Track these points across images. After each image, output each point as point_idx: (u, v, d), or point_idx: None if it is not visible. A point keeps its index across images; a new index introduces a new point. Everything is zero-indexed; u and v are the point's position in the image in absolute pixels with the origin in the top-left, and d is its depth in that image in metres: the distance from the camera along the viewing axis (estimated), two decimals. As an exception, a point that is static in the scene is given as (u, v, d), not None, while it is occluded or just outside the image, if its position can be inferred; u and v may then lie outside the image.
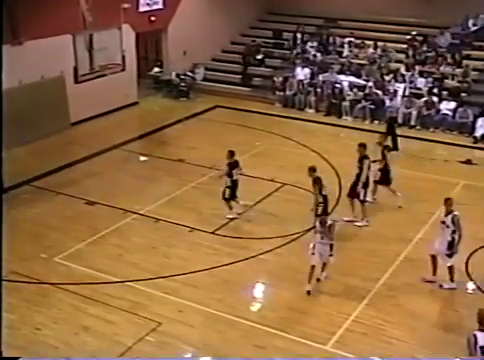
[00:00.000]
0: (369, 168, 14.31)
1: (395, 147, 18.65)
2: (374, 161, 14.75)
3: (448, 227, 11.73)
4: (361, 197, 14.43)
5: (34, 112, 18.85)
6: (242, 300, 11.68)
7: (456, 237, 11.76)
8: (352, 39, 25.42)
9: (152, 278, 12.24)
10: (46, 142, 18.99)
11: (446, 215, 11.85)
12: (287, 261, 12.94)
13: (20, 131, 18.00)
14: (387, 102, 21.15)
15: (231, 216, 14.52)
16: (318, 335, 10.58)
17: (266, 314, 11.26)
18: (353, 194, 14.52)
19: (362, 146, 14.40)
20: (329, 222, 11.94)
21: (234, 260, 12.84)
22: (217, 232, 14.03)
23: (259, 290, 12.28)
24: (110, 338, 10.53)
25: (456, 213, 11.81)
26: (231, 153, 14.43)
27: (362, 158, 14.29)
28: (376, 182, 15.28)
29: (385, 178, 15.11)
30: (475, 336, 8.75)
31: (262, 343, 10.42)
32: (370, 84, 22.25)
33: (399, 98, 21.80)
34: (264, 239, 13.67)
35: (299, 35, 26.08)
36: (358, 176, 14.30)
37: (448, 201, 11.92)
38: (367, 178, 14.38)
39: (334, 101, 22.58)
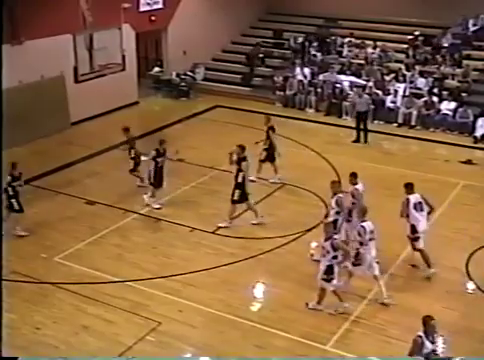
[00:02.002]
0: (247, 169, 14.09)
1: (365, 140, 19.92)
2: (257, 142, 15.57)
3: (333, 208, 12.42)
4: (235, 197, 14.07)
5: (34, 112, 18.85)
6: (242, 300, 11.68)
7: (339, 218, 12.30)
8: (352, 39, 25.43)
9: (152, 278, 12.24)
10: (46, 142, 18.99)
11: (332, 197, 12.34)
12: (287, 261, 12.93)
13: (20, 131, 17.99)
14: (357, 99, 20.82)
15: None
16: (318, 335, 10.59)
17: (266, 314, 11.26)
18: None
19: (240, 147, 14.13)
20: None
21: (234, 260, 12.84)
22: (217, 232, 14.02)
23: (259, 290, 12.27)
24: (110, 338, 10.54)
25: (341, 195, 12.42)
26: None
27: (240, 160, 14.04)
28: (261, 161, 16.18)
29: (270, 157, 16.17)
30: (421, 338, 8.97)
31: (262, 343, 10.43)
32: (370, 84, 22.24)
33: (399, 98, 21.82)
34: (264, 239, 13.67)
35: (301, 39, 26.07)
36: (236, 178, 14.06)
37: (333, 183, 12.69)
38: (243, 179, 14.07)
39: (334, 101, 22.58)
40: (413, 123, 21.30)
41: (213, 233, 13.98)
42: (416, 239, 12.33)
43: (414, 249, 12.48)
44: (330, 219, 12.25)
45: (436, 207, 15.05)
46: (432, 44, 24.07)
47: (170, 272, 12.41)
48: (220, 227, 14.15)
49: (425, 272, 12.35)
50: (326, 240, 11.05)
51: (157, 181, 15.00)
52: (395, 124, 21.44)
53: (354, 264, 11.46)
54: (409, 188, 12.54)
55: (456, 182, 16.73)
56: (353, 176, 12.97)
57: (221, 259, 12.90)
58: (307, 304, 11.37)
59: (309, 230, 14.13)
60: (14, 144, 17.80)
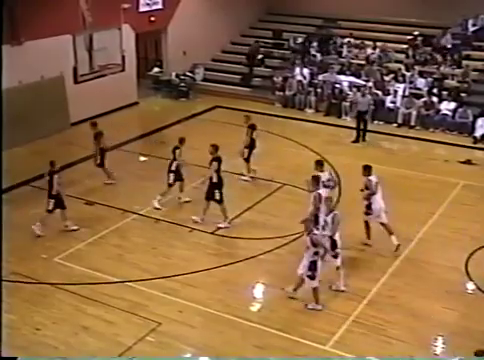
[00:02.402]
0: (219, 169, 14.11)
1: (363, 139, 20.10)
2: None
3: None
4: (217, 197, 14.14)
5: (34, 112, 18.86)
6: (242, 300, 11.68)
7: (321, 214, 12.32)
8: (351, 39, 25.43)
9: (152, 278, 12.24)
10: (46, 142, 18.99)
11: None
12: (287, 261, 12.90)
13: (20, 131, 18.02)
14: (360, 98, 20.93)
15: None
16: (318, 335, 10.58)
17: (266, 314, 11.26)
18: (209, 196, 14.28)
19: (213, 147, 14.20)
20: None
21: (234, 260, 12.85)
22: (217, 232, 14.02)
23: (259, 290, 12.27)
24: (110, 338, 10.53)
25: (319, 191, 12.65)
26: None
27: (213, 160, 14.09)
28: (245, 159, 16.53)
29: (249, 155, 16.50)
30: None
31: (262, 343, 10.43)
32: (370, 84, 22.24)
33: (399, 98, 21.82)
34: (264, 239, 13.67)
35: (301, 40, 26.09)
36: (211, 178, 14.10)
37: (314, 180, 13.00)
38: (219, 178, 14.11)
39: (334, 101, 22.58)
40: (413, 123, 21.31)
41: (212, 233, 13.98)
42: (368, 214, 13.26)
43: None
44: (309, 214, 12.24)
45: (436, 207, 15.16)
46: (432, 44, 24.09)
47: (170, 272, 12.40)
48: (220, 228, 14.15)
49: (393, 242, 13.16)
50: (307, 235, 11.13)
51: (175, 181, 15.10)
52: (395, 124, 21.45)
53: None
54: (368, 170, 13.27)
55: (456, 182, 16.74)
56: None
57: (221, 259, 12.91)
58: (306, 305, 11.41)
59: (309, 230, 14.11)
60: (14, 144, 17.83)
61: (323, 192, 12.67)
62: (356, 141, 20.12)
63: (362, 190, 13.28)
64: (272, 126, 21.03)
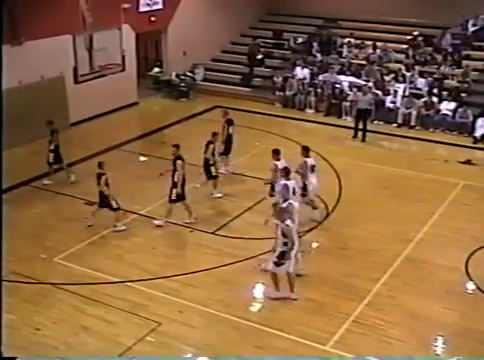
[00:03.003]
0: (183, 168, 14.13)
1: (363, 139, 20.16)
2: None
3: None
4: (172, 197, 14.14)
5: (34, 112, 18.85)
6: (242, 300, 11.67)
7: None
8: (351, 39, 25.43)
9: (152, 278, 12.24)
10: (46, 142, 18.94)
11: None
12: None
13: (20, 131, 18.02)
14: (360, 96, 20.95)
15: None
16: (318, 335, 10.57)
17: (266, 314, 11.25)
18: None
19: (175, 147, 14.30)
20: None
21: (234, 260, 12.84)
22: (217, 232, 14.02)
23: (259, 290, 12.26)
24: (110, 338, 10.53)
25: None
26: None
27: (175, 159, 14.13)
28: (221, 154, 16.59)
29: (227, 149, 16.74)
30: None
31: (262, 343, 10.42)
32: (370, 84, 22.24)
33: (399, 98, 21.83)
34: (264, 239, 13.63)
35: (301, 40, 26.10)
36: (172, 177, 14.13)
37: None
38: (182, 178, 14.11)
39: (334, 101, 22.58)
40: (413, 123, 21.31)
41: (213, 233, 13.97)
42: (304, 196, 13.96)
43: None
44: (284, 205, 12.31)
45: (436, 207, 15.16)
46: (432, 44, 24.09)
47: (170, 272, 12.40)
48: (187, 223, 14.28)
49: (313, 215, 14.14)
50: (281, 223, 11.28)
51: (208, 173, 15.51)
52: (395, 124, 21.45)
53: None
54: (306, 150, 14.02)
55: (456, 182, 16.73)
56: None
57: (221, 259, 12.90)
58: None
59: (309, 230, 14.13)
60: (14, 144, 17.83)
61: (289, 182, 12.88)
62: (355, 136, 20.32)
63: (296, 171, 13.97)
64: (272, 126, 21.04)
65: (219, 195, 15.60)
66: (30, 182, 16.60)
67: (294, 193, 12.94)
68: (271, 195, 14.01)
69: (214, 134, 15.63)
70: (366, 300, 11.56)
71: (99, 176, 13.89)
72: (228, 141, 16.89)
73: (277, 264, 11.25)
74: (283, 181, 12.92)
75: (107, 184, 13.90)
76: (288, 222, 11.26)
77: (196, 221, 14.32)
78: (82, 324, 10.88)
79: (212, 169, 15.53)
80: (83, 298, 11.59)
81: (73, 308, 11.35)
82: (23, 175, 16.70)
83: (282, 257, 11.17)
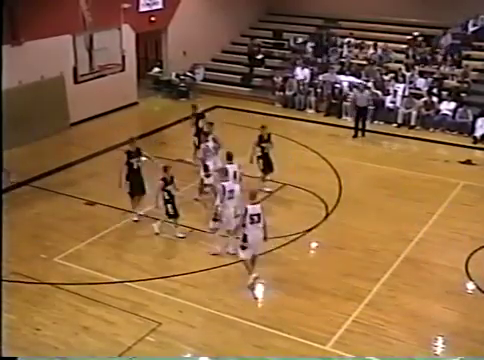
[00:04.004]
0: (129, 162, 14.38)
1: (363, 134, 20.45)
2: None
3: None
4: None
5: (34, 112, 18.85)
6: (242, 300, 11.67)
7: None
8: (351, 39, 25.42)
9: (152, 278, 12.24)
10: (46, 142, 18.99)
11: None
12: (287, 261, 12.94)
13: (20, 131, 17.99)
14: (358, 94, 21.07)
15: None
16: (318, 335, 10.57)
17: (266, 314, 11.26)
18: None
19: (131, 140, 14.63)
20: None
21: (234, 260, 12.82)
22: (217, 232, 13.98)
23: (259, 290, 12.26)
24: (110, 338, 10.53)
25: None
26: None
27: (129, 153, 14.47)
28: (197, 147, 16.66)
29: (199, 142, 16.47)
30: (246, 209, 11.48)
31: (262, 343, 10.42)
32: (370, 84, 22.24)
33: (399, 98, 21.83)
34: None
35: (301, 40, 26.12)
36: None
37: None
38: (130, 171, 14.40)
39: (334, 101, 22.59)
40: (413, 123, 21.31)
41: (213, 233, 13.93)
42: (208, 176, 14.65)
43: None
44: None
45: (436, 207, 15.17)
46: (431, 44, 24.08)
47: (170, 272, 12.40)
48: (135, 221, 14.48)
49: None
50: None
51: (267, 166, 15.76)
52: (395, 124, 21.45)
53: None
54: (230, 157, 13.94)
55: (456, 182, 16.73)
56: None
57: (221, 259, 12.89)
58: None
59: (309, 230, 14.13)
60: (14, 145, 17.80)
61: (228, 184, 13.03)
62: (355, 136, 20.39)
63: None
64: (272, 126, 20.96)
65: (268, 190, 16.00)
66: (30, 182, 16.59)
67: (235, 177, 13.49)
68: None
69: (263, 127, 16.12)
70: (366, 300, 11.56)
71: (165, 183, 13.54)
72: (199, 135, 17.05)
73: (242, 247, 11.83)
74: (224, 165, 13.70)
75: (176, 189, 13.71)
76: (217, 202, 12.55)
77: (137, 219, 14.49)
78: (82, 324, 10.88)
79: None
80: (83, 298, 11.59)
81: (73, 308, 11.36)
82: (23, 175, 16.69)
83: (244, 240, 11.75)
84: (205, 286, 12.03)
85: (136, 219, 14.57)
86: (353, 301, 11.51)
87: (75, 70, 21.01)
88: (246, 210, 11.60)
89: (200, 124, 17.23)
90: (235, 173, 13.60)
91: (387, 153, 19.47)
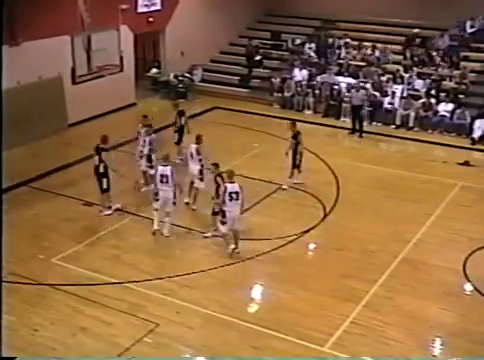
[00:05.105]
0: (107, 159, 14.84)
1: (360, 135, 20.64)
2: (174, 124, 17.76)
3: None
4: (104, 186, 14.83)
5: (32, 113, 18.84)
6: (240, 301, 11.68)
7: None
8: (348, 40, 25.43)
9: (150, 279, 12.23)
10: (44, 143, 18.98)
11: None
12: (285, 262, 12.94)
13: (18, 132, 17.98)
14: (354, 93, 21.30)
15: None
16: (316, 336, 10.58)
17: (263, 315, 11.26)
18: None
19: (102, 138, 15.02)
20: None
21: (232, 261, 12.84)
22: (215, 233, 13.97)
23: (257, 291, 12.27)
24: (108, 339, 10.52)
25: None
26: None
27: (100, 150, 14.89)
28: (176, 143, 17.77)
29: (179, 139, 17.82)
30: (226, 187, 12.57)
31: (259, 344, 10.42)
32: (368, 85, 22.26)
33: (397, 99, 21.86)
34: (262, 240, 13.67)
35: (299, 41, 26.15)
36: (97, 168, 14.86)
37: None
38: (105, 169, 14.77)
39: (332, 102, 22.60)
40: (411, 124, 21.33)
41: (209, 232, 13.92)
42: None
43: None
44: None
45: (434, 208, 15.19)
46: (428, 46, 24.10)
47: (168, 273, 12.40)
48: (108, 214, 14.81)
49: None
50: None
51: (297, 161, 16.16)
52: (393, 126, 21.47)
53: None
54: (198, 139, 15.07)
55: (454, 183, 16.75)
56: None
57: (219, 260, 12.90)
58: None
59: (307, 231, 14.13)
60: (12, 145, 17.77)
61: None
62: (352, 133, 20.65)
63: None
64: (270, 127, 21.04)
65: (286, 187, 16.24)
66: (28, 183, 16.58)
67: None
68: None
69: (292, 123, 16.65)
70: (364, 301, 11.57)
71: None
72: (180, 131, 17.83)
73: (222, 222, 12.87)
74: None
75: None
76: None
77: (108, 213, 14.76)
78: (80, 325, 10.87)
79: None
80: (81, 299, 11.59)
81: (71, 309, 11.35)
82: (21, 176, 16.68)
83: (224, 216, 12.79)
84: (203, 287, 12.04)
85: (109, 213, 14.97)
86: (351, 302, 11.51)
87: (73, 71, 21.00)
88: (225, 188, 12.65)
89: (182, 121, 17.79)
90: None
91: (385, 154, 19.50)
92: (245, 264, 12.85)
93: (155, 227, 13.94)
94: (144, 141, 15.78)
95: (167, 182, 13.67)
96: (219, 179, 13.28)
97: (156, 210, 13.91)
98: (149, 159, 15.63)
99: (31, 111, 18.85)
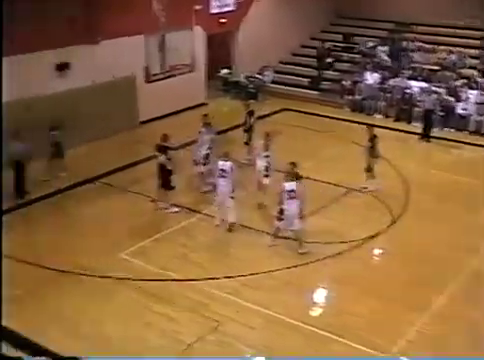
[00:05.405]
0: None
1: (428, 140, 20.31)
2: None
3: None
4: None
5: (105, 111, 19.27)
6: (303, 304, 11.63)
7: None
8: (421, 44, 24.91)
9: (215, 278, 12.30)
10: (115, 140, 19.38)
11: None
12: (350, 267, 12.79)
13: (91, 128, 18.48)
14: (426, 97, 21.07)
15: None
16: (379, 344, 10.39)
17: (326, 319, 11.16)
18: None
19: (164, 135, 15.09)
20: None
21: (296, 263, 12.79)
22: (280, 234, 13.94)
23: (320, 294, 12.19)
24: (171, 335, 10.62)
25: None
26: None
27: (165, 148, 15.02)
28: (245, 143, 17.92)
29: (249, 138, 17.97)
30: (283, 186, 12.99)
31: (321, 348, 10.32)
32: (441, 90, 21.77)
33: (471, 105, 21.29)
34: (327, 244, 13.56)
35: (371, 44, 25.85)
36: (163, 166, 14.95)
37: None
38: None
39: (404, 107, 22.21)
40: (485, 131, 20.79)
41: (277, 236, 13.89)
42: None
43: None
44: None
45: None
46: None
47: (233, 273, 12.44)
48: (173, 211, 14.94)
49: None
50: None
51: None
52: (466, 131, 20.93)
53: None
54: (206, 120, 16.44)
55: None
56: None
57: (283, 262, 12.86)
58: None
59: (373, 237, 13.94)
60: (85, 141, 18.31)
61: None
62: (423, 138, 20.34)
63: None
64: (340, 130, 20.86)
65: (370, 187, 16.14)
66: (99, 178, 16.95)
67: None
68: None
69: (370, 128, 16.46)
70: (430, 310, 11.31)
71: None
72: (250, 131, 17.97)
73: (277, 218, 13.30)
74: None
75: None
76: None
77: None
78: (144, 320, 11.02)
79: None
80: (146, 294, 11.75)
81: (136, 304, 11.52)
82: (92, 171, 17.08)
83: (281, 213, 13.14)
84: (266, 288, 12.02)
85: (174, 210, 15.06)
86: (416, 310, 11.27)
87: (146, 70, 21.37)
88: (283, 187, 13.02)
89: (252, 121, 17.91)
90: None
91: (456, 161, 19.00)
92: (310, 267, 12.76)
93: (217, 222, 14.27)
94: (202, 140, 15.97)
95: (226, 177, 13.98)
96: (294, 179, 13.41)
97: (216, 205, 14.36)
98: (207, 157, 15.76)
99: (104, 109, 19.28)
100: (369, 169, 16.12)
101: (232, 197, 14.08)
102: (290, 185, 13.01)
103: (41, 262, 12.64)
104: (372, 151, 16.05)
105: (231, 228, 14.17)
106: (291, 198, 12.95)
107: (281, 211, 13.15)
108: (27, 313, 11.10)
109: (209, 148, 15.84)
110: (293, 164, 13.53)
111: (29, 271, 12.44)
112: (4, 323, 9.59)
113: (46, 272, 12.37)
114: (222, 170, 14.03)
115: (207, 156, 15.77)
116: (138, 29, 20.26)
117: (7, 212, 14.77)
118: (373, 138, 16.06)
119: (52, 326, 10.76)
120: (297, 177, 13.45)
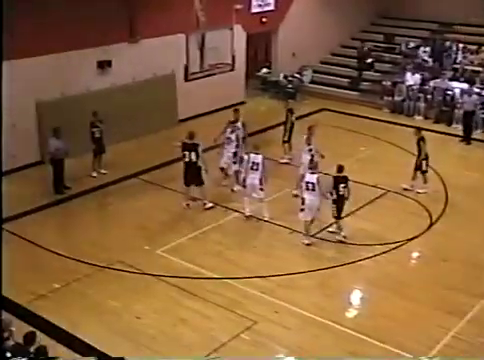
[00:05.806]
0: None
1: (468, 142, 20.06)
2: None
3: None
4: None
5: (145, 108, 19.45)
6: (339, 305, 11.59)
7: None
8: (466, 45, 24.52)
9: (250, 277, 12.33)
10: (154, 137, 19.55)
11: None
12: (386, 269, 12.71)
13: (130, 126, 18.69)
14: (466, 98, 20.79)
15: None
16: (414, 348, 10.30)
17: (362, 321, 11.10)
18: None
19: (190, 133, 15.34)
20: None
21: (333, 264, 12.75)
22: (317, 235, 13.93)
23: (356, 296, 12.14)
24: (206, 333, 10.69)
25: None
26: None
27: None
28: (284, 141, 18.08)
29: (288, 137, 18.04)
30: (303, 175, 13.51)
31: (356, 350, 10.27)
32: (478, 90, 21.42)
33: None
34: (364, 245, 13.48)
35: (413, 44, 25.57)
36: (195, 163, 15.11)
37: None
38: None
39: (445, 108, 21.93)
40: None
41: (313, 236, 13.88)
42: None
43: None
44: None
45: None
46: None
47: (268, 272, 12.46)
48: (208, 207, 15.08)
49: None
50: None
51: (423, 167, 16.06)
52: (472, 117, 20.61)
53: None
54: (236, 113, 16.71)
55: None
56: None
57: (319, 262, 12.84)
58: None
59: (411, 239, 13.81)
60: (123, 138, 18.52)
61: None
62: (463, 140, 20.15)
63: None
64: (379, 131, 20.71)
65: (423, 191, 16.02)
66: (138, 175, 17.13)
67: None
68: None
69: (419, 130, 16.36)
70: (468, 316, 11.14)
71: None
72: (290, 130, 18.03)
73: (301, 209, 13.43)
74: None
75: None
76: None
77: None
78: (180, 316, 11.11)
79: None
80: (182, 291, 11.85)
81: (172, 300, 11.63)
82: (132, 168, 17.28)
83: (302, 203, 13.32)
84: (301, 288, 12.02)
85: (187, 203, 15.23)
86: (454, 316, 11.13)
87: (186, 68, 21.50)
88: (303, 177, 13.52)
89: (292, 119, 18.00)
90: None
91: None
92: (345, 268, 12.71)
93: (247, 213, 14.61)
94: (229, 139, 16.05)
95: (257, 169, 14.23)
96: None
97: (246, 197, 14.63)
98: (235, 155, 15.84)
99: (144, 107, 19.46)
100: (423, 171, 16.05)
101: (261, 189, 14.35)
102: (311, 177, 13.28)
103: (80, 257, 12.85)
104: (419, 153, 15.90)
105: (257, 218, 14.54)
106: (310, 190, 13.22)
107: (303, 201, 13.39)
108: (64, 307, 11.29)
109: (237, 146, 15.93)
110: (340, 167, 13.61)
111: (68, 265, 12.65)
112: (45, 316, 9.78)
113: (85, 267, 12.57)
114: (254, 163, 14.28)
115: (235, 154, 15.87)
116: (178, 28, 20.39)
117: (46, 207, 15.10)
118: (420, 140, 15.94)
119: (89, 320, 10.93)
120: (345, 180, 13.54)
